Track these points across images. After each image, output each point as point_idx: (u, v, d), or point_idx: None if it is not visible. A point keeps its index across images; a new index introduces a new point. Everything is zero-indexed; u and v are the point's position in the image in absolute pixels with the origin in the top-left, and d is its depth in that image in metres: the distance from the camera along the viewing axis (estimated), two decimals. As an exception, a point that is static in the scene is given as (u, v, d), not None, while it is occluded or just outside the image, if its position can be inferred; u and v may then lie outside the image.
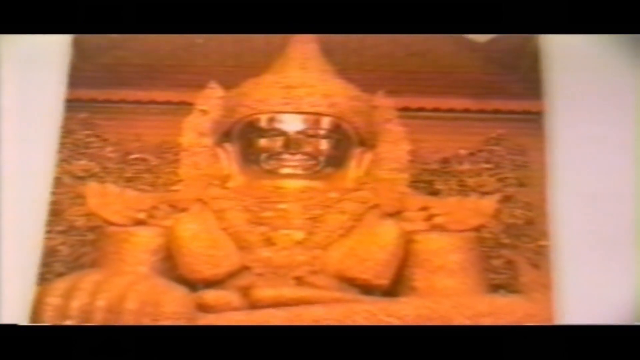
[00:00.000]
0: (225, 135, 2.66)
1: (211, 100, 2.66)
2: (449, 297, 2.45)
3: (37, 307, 2.40)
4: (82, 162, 2.60)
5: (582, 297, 2.43)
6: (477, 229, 2.54)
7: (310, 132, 2.63)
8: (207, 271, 2.49)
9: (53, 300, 2.40)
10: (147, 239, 2.52)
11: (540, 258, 2.49)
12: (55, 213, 2.54)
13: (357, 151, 2.64)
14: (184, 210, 2.56)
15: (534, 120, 2.64)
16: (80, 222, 2.54)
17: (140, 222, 2.54)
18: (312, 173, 2.60)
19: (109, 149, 2.63)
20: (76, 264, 2.50)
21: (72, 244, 2.51)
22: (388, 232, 2.52)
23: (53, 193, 2.55)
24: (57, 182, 2.57)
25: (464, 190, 2.60)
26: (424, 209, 2.56)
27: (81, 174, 2.60)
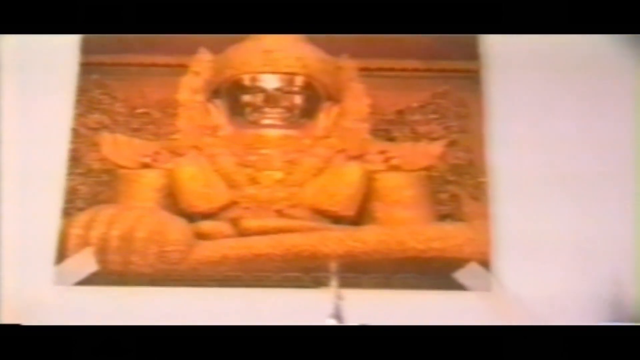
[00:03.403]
0: (215, 93, 3.02)
1: (202, 64, 3.01)
2: (405, 226, 2.85)
3: (63, 237, 2.82)
4: (96, 116, 2.96)
5: (515, 226, 2.74)
6: (427, 168, 2.89)
7: (286, 89, 2.99)
8: (203, 206, 2.86)
9: (76, 230, 2.82)
10: (152, 179, 2.88)
11: (479, 192, 2.85)
12: (75, 159, 2.90)
13: (325, 105, 2.99)
14: (182, 155, 2.90)
15: (473, 78, 2.93)
16: (96, 166, 2.89)
17: (146, 166, 2.89)
18: (288, 123, 2.97)
19: (118, 104, 2.97)
20: (94, 201, 2.86)
21: (90, 184, 2.87)
22: (353, 172, 2.90)
23: (72, 142, 2.91)
24: (75, 133, 2.93)
25: (415, 136, 2.95)
26: (382, 152, 2.91)
27: (95, 125, 2.96)
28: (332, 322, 2.22)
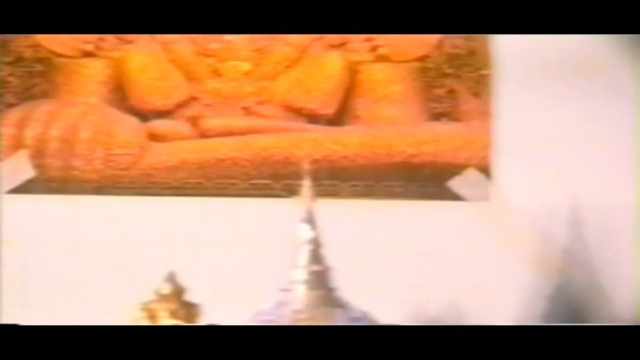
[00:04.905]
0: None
1: None
2: (392, 126, 2.78)
3: (-8, 137, 2.70)
4: (27, -7, 2.86)
5: (519, 127, 2.75)
6: (421, 59, 2.82)
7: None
8: (157, 102, 2.79)
9: (7, 130, 2.72)
10: (96, 70, 2.80)
11: (481, 87, 2.80)
12: (2, 44, 2.77)
13: (301, -18, 2.93)
14: (131, 42, 2.81)
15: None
16: (28, 53, 2.79)
17: (88, 54, 2.80)
18: (258, 4, 2.90)
19: (54, -21, 2.88)
20: (27, 95, 2.77)
21: (21, 76, 2.78)
22: (333, 63, 2.82)
23: (-1, 24, 2.79)
24: (3, 13, 2.82)
25: (407, 21, 2.90)
26: (368, 40, 2.82)
27: (27, 5, 2.86)
28: (305, 227, 2.24)
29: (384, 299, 2.45)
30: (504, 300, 2.63)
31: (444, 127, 2.80)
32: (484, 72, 2.82)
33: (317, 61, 2.83)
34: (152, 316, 2.13)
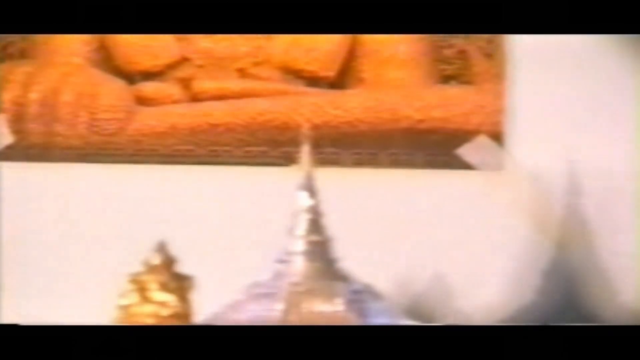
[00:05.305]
0: None
1: None
2: (398, 89, 2.73)
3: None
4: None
5: (532, 87, 2.73)
6: None
7: None
8: (145, 62, 2.74)
9: None
10: None
11: (493, 47, 2.76)
12: None
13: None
14: None
15: None
16: None
17: None
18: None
19: None
20: (3, 55, 2.73)
21: None
22: None
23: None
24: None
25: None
26: None
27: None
28: (304, 195, 2.21)
29: (386, 272, 2.45)
30: (501, 274, 2.67)
31: (453, 91, 2.75)
32: (496, 31, 2.74)
33: (317, 19, 2.79)
34: (142, 289, 2.07)
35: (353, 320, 2.09)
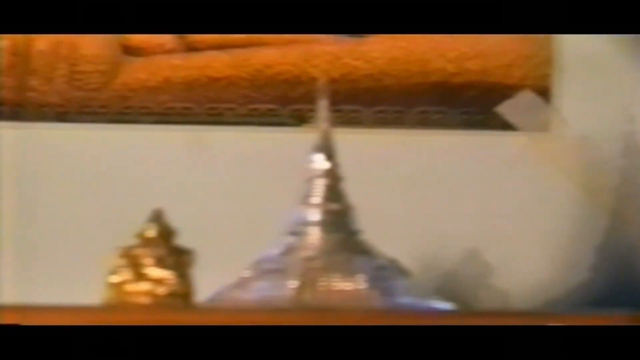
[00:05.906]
0: None
1: None
2: (428, 36, 2.65)
3: None
4: None
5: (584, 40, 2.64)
6: None
7: None
8: None
9: None
10: None
11: None
12: None
13: None
14: None
15: None
16: None
17: None
18: None
19: None
20: None
21: None
22: None
23: None
24: None
25: None
26: None
27: None
28: (320, 157, 2.18)
29: (413, 246, 2.46)
30: (545, 249, 2.66)
31: (492, 39, 2.68)
32: (540, -29, 2.65)
33: (333, -46, 2.65)
34: (135, 264, 2.04)
35: (376, 299, 2.07)
